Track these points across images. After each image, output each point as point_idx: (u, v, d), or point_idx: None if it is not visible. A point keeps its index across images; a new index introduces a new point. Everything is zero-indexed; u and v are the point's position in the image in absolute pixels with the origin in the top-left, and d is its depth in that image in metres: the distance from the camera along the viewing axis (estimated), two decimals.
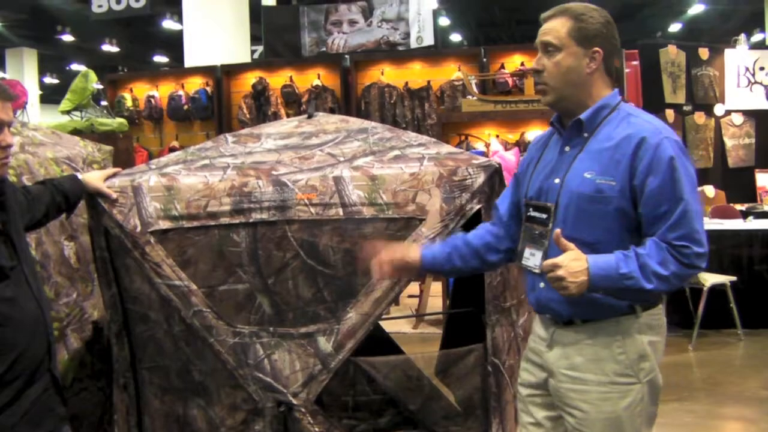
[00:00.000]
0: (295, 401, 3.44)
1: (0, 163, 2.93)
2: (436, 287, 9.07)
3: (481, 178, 3.54)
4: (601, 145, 2.94)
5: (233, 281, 3.50)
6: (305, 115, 4.27)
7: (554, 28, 3.02)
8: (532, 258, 3.09)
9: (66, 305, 4.22)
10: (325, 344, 3.43)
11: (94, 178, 3.64)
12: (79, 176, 3.57)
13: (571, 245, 2.77)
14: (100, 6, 15.07)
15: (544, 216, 3.06)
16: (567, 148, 3.07)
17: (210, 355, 3.52)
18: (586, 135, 3.01)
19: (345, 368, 3.49)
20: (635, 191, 2.82)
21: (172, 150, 11.92)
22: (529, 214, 3.14)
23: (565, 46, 2.99)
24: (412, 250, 3.24)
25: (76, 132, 7.58)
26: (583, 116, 3.00)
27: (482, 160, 3.62)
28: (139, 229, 3.55)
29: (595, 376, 2.92)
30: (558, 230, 2.81)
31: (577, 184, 2.93)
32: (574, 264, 2.72)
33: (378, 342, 3.56)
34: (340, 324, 3.43)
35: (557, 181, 3.03)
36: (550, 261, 2.75)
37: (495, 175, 3.58)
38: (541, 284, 3.06)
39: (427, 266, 3.24)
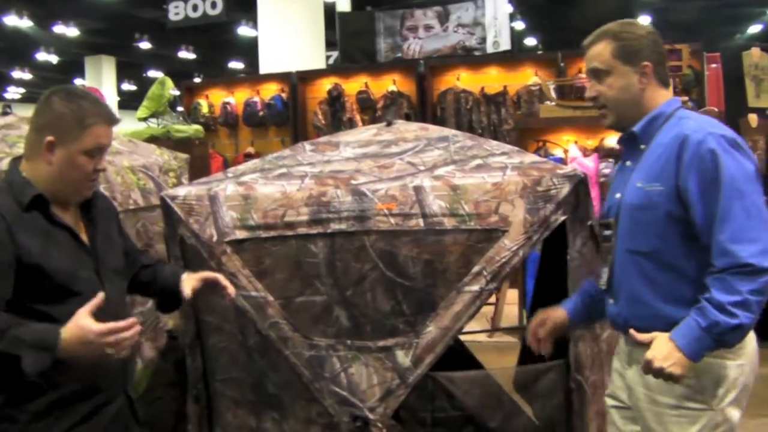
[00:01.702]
0: (371, 416, 3.35)
1: (90, 186, 2.89)
2: (512, 294, 8.93)
3: (566, 189, 3.42)
4: (654, 153, 2.91)
5: (310, 293, 3.43)
6: (384, 123, 4.19)
7: (598, 53, 3.02)
8: (602, 277, 3.12)
9: (141, 314, 4.21)
10: (403, 358, 3.34)
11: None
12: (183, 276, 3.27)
13: (654, 334, 2.75)
14: (176, 14, 15.21)
15: (609, 233, 3.06)
16: (628, 163, 3.08)
17: (285, 368, 3.46)
18: (642, 147, 2.99)
19: (423, 383, 3.39)
20: (681, 193, 2.76)
21: (248, 156, 11.94)
22: (602, 234, 3.15)
23: (613, 68, 2.98)
24: (557, 312, 3.37)
25: (152, 139, 7.61)
26: (636, 128, 3.00)
27: (567, 169, 3.50)
28: (215, 238, 3.51)
29: (666, 399, 2.86)
30: (632, 330, 2.81)
31: (631, 195, 2.93)
32: (661, 349, 2.70)
33: (455, 353, 3.47)
34: (418, 338, 3.34)
35: (618, 196, 3.04)
36: (644, 361, 2.73)
37: (580, 185, 3.46)
38: (611, 301, 3.07)
39: (572, 316, 3.37)
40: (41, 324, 2.57)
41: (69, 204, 2.89)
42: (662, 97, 3.02)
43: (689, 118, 2.92)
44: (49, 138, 2.76)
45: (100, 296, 2.60)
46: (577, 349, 3.49)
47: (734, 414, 2.83)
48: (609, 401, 3.18)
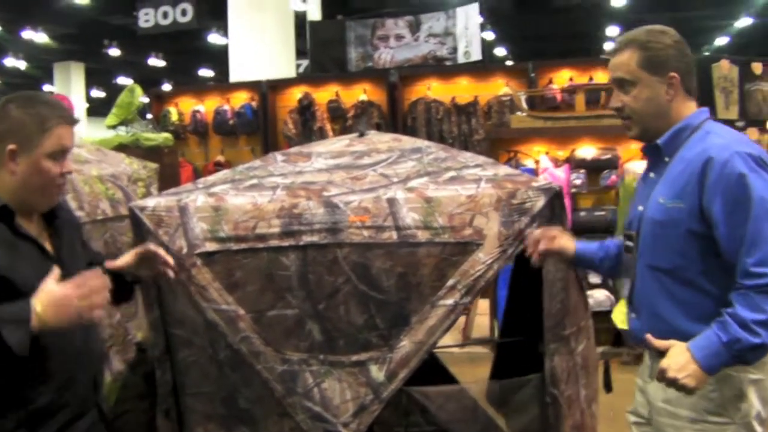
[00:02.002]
0: (345, 431, 3.30)
1: (58, 190, 2.83)
2: (483, 305, 8.90)
3: (541, 202, 3.39)
4: (677, 168, 2.85)
5: (282, 306, 3.37)
6: (356, 134, 4.15)
7: (623, 62, 2.94)
8: (625, 288, 3.10)
9: (109, 326, 4.14)
10: (377, 373, 3.29)
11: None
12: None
13: (671, 342, 2.71)
14: (146, 20, 15.20)
15: (631, 245, 3.03)
16: (651, 175, 3.03)
17: (257, 383, 3.39)
18: (666, 160, 2.93)
19: (397, 398, 3.35)
20: (705, 213, 2.71)
21: (218, 165, 11.87)
22: (625, 244, 3.11)
23: (639, 78, 2.90)
24: (569, 242, 3.30)
25: (121, 147, 7.54)
26: (660, 141, 2.93)
27: (542, 182, 3.47)
28: (185, 250, 3.44)
29: (688, 413, 2.82)
30: (648, 335, 2.78)
31: (652, 210, 2.87)
32: (678, 359, 2.65)
33: (427, 365, 3.42)
34: (392, 352, 3.29)
35: (640, 208, 2.99)
36: (658, 369, 2.69)
37: (555, 198, 3.43)
38: (632, 315, 3.05)
39: (579, 253, 3.31)
40: (11, 303, 2.50)
41: (33, 214, 2.83)
42: (689, 109, 2.95)
43: (716, 133, 2.86)
44: (11, 146, 2.69)
45: (57, 270, 2.56)
46: (552, 363, 3.45)
47: (758, 429, 2.80)
48: (631, 418, 3.17)
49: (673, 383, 2.64)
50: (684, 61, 2.93)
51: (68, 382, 2.73)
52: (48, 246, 2.84)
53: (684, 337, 2.73)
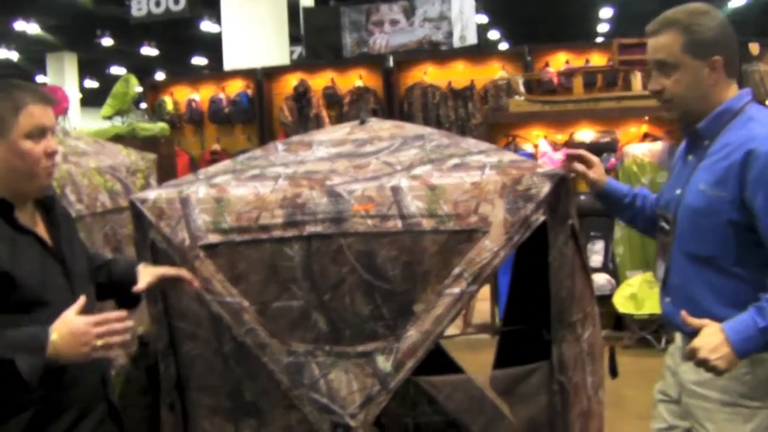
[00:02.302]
0: (352, 423, 3.26)
1: (46, 172, 2.77)
2: (483, 290, 8.86)
3: (546, 188, 3.35)
4: (718, 154, 2.81)
5: (287, 297, 3.34)
6: (357, 121, 4.10)
7: (666, 44, 2.86)
8: (659, 270, 3.07)
9: None
10: (384, 363, 3.26)
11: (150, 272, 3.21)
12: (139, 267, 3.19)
13: (705, 321, 2.67)
14: (139, 9, 15.13)
15: (668, 227, 3.00)
16: (690, 158, 2.99)
17: (263, 375, 3.36)
18: (706, 143, 2.88)
19: (405, 388, 3.33)
20: (747, 203, 2.67)
21: (214, 153, 11.85)
22: (660, 224, 3.09)
23: (682, 62, 2.84)
24: (602, 175, 3.41)
25: (117, 137, 7.51)
26: (701, 125, 2.89)
27: (548, 168, 3.43)
28: (187, 243, 3.40)
29: (720, 396, 2.81)
30: (683, 312, 2.73)
31: (692, 196, 2.84)
32: (710, 340, 2.61)
33: (431, 353, 3.40)
34: (399, 342, 3.26)
35: (678, 192, 2.96)
36: (689, 348, 2.64)
37: (561, 183, 3.40)
38: (667, 299, 3.03)
39: (608, 188, 3.40)
40: (27, 327, 2.50)
41: (28, 205, 2.80)
42: (731, 91, 2.90)
43: (758, 121, 2.80)
44: None
45: (83, 300, 2.54)
46: (560, 351, 3.42)
47: None
48: (658, 396, 3.18)
49: (703, 363, 2.61)
50: (730, 45, 2.88)
51: (74, 381, 2.70)
52: (47, 239, 2.81)
53: (719, 322, 2.70)
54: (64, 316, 2.48)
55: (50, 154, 2.75)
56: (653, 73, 2.96)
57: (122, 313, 2.55)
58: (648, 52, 2.98)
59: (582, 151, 3.42)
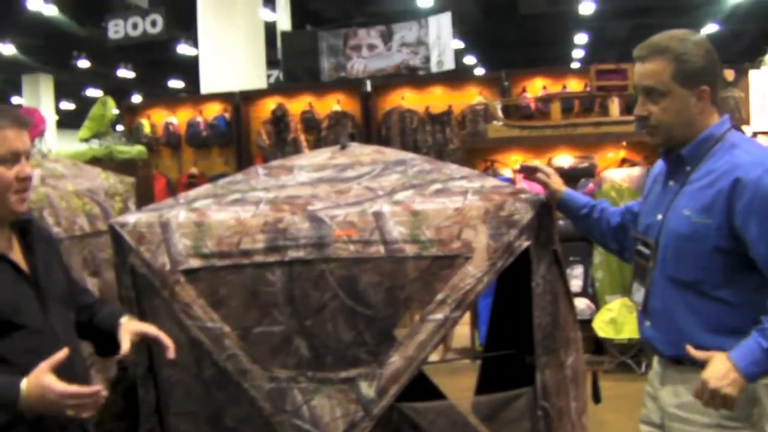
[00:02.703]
0: None
1: (19, 197, 2.70)
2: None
3: (529, 214, 3.36)
4: (702, 180, 2.83)
5: (268, 323, 3.31)
6: (338, 146, 4.09)
7: (655, 71, 2.88)
8: (637, 293, 3.08)
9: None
10: (367, 389, 3.24)
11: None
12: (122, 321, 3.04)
13: (710, 354, 2.69)
14: (116, 32, 15.09)
15: (648, 252, 3.00)
16: (671, 183, 2.99)
17: (244, 401, 3.33)
18: (688, 169, 2.91)
19: (388, 414, 3.29)
20: (736, 231, 2.70)
21: (191, 177, 11.80)
22: (637, 248, 3.09)
23: (670, 90, 2.86)
24: (560, 185, 3.47)
25: (95, 160, 7.46)
26: (684, 151, 2.91)
27: (530, 194, 3.44)
28: (168, 267, 3.38)
29: (702, 418, 2.82)
30: (689, 347, 2.75)
31: (676, 222, 2.86)
32: (718, 368, 2.63)
33: (414, 381, 3.38)
34: (382, 368, 3.24)
35: (659, 217, 2.97)
36: (698, 384, 2.67)
37: (544, 209, 3.41)
38: (647, 323, 3.03)
39: (566, 198, 3.43)
40: (1, 376, 2.46)
41: (4, 229, 2.74)
42: (713, 119, 2.93)
43: (742, 148, 2.84)
44: None
45: (63, 352, 2.48)
46: (543, 376, 3.42)
47: None
48: (643, 427, 3.16)
49: (714, 394, 2.62)
50: (715, 74, 2.92)
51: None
52: (22, 264, 2.76)
53: (701, 348, 2.74)
54: (38, 374, 2.42)
55: (23, 179, 2.69)
56: (640, 98, 2.97)
57: (98, 387, 2.50)
58: (635, 77, 2.99)
59: (536, 165, 3.53)
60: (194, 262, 3.39)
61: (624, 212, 3.35)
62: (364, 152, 4.00)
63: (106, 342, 2.98)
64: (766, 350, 2.60)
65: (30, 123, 2.78)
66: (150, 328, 2.98)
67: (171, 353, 2.93)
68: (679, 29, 2.97)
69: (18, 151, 2.67)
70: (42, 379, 2.41)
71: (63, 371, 2.58)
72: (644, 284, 3.02)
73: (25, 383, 2.42)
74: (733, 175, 2.72)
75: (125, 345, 2.85)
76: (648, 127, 2.98)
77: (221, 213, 3.50)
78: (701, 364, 2.70)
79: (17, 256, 2.77)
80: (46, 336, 2.68)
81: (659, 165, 3.17)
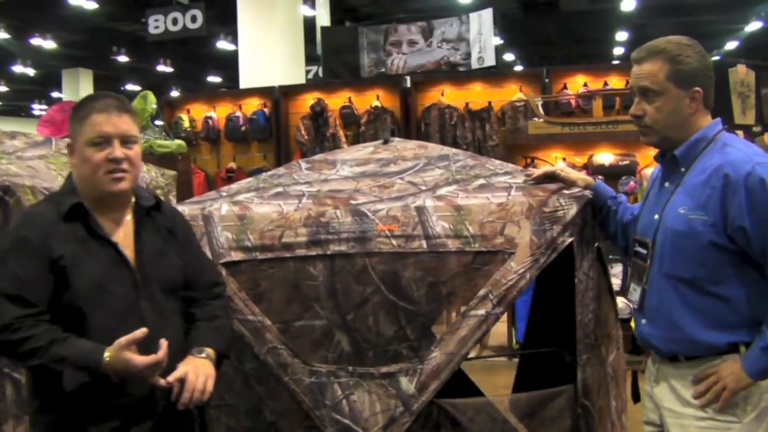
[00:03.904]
0: None
1: (110, 177, 2.84)
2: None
3: (573, 210, 3.34)
4: (696, 179, 2.91)
5: (309, 317, 3.32)
6: (380, 141, 4.09)
7: (651, 72, 2.97)
8: (634, 293, 3.13)
9: None
10: (407, 385, 3.23)
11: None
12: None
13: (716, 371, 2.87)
14: (156, 27, 15.11)
15: (645, 252, 3.06)
16: (666, 184, 3.07)
17: (284, 395, 3.34)
18: (683, 170, 2.98)
19: (428, 410, 3.28)
20: (732, 228, 2.77)
21: (230, 171, 11.83)
22: (635, 249, 3.15)
23: (665, 90, 2.95)
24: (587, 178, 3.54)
25: None
26: (677, 152, 3.00)
27: (574, 190, 3.41)
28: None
29: (696, 412, 2.89)
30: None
31: (672, 220, 2.93)
32: (727, 368, 2.82)
33: (452, 378, 3.36)
34: (423, 364, 3.23)
35: (656, 217, 3.03)
36: (706, 382, 2.88)
37: (588, 206, 3.38)
38: (643, 321, 3.10)
39: (595, 190, 3.47)
40: (85, 342, 2.64)
41: (114, 210, 2.90)
42: (705, 120, 3.01)
43: (732, 146, 2.92)
44: (68, 141, 2.91)
45: (141, 332, 2.63)
46: (584, 374, 3.39)
47: (761, 430, 2.88)
48: (647, 428, 3.23)
49: (714, 385, 2.83)
50: (708, 76, 3.00)
51: (117, 389, 2.72)
52: (128, 250, 2.88)
53: (700, 345, 2.88)
54: (118, 349, 2.60)
55: (112, 161, 2.82)
56: (636, 98, 3.06)
57: (163, 352, 2.67)
58: (632, 78, 3.08)
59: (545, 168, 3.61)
60: (236, 255, 3.41)
61: (633, 211, 3.41)
62: (406, 147, 3.99)
63: None
64: (762, 348, 2.75)
65: (130, 109, 2.93)
66: (181, 373, 2.81)
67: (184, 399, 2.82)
68: (678, 36, 3.07)
69: (107, 134, 2.83)
70: (121, 355, 2.59)
71: (144, 350, 2.66)
72: (641, 284, 3.08)
73: (108, 353, 2.59)
74: (724, 171, 2.80)
75: (165, 380, 2.76)
76: (642, 126, 3.06)
77: (264, 206, 3.51)
78: (696, 360, 2.90)
79: (125, 240, 2.90)
80: (129, 321, 2.75)
81: (657, 168, 3.25)
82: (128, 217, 2.94)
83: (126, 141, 2.86)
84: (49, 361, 2.58)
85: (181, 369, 2.78)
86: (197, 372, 2.79)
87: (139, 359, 2.60)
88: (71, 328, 2.67)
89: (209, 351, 2.94)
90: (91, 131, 2.82)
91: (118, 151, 2.83)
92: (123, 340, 2.59)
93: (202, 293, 3.12)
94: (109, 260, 2.80)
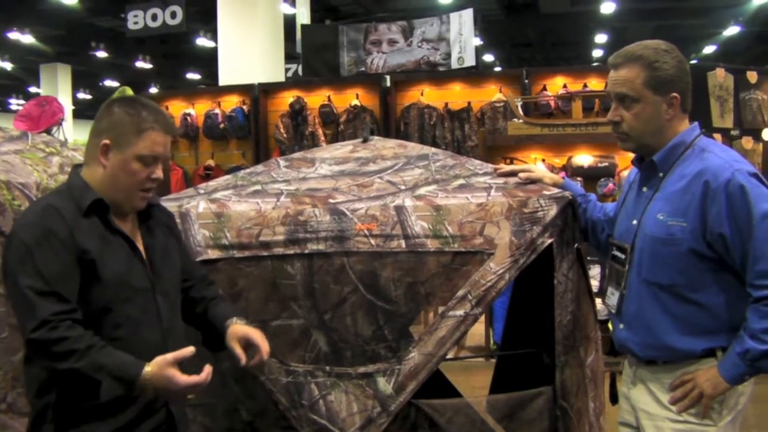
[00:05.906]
0: None
1: (143, 195, 2.86)
2: None
3: (553, 211, 3.33)
4: (674, 185, 2.92)
5: (287, 316, 3.30)
6: (360, 139, 4.06)
7: (628, 78, 2.97)
8: (611, 297, 3.15)
9: None
10: (384, 385, 3.21)
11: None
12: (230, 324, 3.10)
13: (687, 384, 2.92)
14: (135, 23, 15.02)
15: (623, 257, 3.07)
16: (644, 189, 3.08)
17: (261, 394, 3.32)
18: (661, 175, 2.99)
19: (405, 411, 3.27)
20: (711, 235, 2.79)
21: (208, 169, 11.76)
22: (612, 253, 3.17)
23: (643, 97, 2.95)
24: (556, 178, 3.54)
25: None
26: (656, 158, 3.00)
27: (554, 191, 3.40)
28: None
29: (672, 414, 2.93)
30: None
31: (651, 226, 2.94)
32: (704, 374, 2.86)
33: (430, 378, 3.35)
34: (401, 364, 3.22)
35: (634, 222, 3.04)
36: (683, 389, 2.92)
37: (568, 207, 3.37)
38: (621, 325, 3.11)
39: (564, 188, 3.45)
40: (123, 354, 2.60)
41: (124, 212, 2.88)
42: (683, 126, 3.02)
43: (711, 152, 2.92)
44: (105, 141, 2.79)
45: (189, 350, 2.64)
46: (563, 376, 3.39)
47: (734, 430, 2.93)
48: (623, 429, 3.26)
49: (691, 392, 2.86)
50: (686, 82, 3.00)
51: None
52: (140, 245, 2.89)
53: (676, 352, 2.91)
54: (161, 364, 2.58)
55: (153, 180, 2.83)
56: (613, 104, 3.06)
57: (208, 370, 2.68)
58: (609, 84, 3.07)
59: (517, 165, 3.67)
60: (213, 253, 3.39)
61: (603, 210, 3.45)
62: (386, 146, 3.97)
63: (215, 339, 3.05)
64: (739, 354, 2.78)
65: (177, 132, 2.92)
66: (255, 333, 2.97)
67: (264, 353, 2.95)
68: (655, 40, 3.06)
69: (159, 155, 2.83)
70: (165, 371, 2.57)
71: (153, 354, 2.65)
72: (619, 288, 3.09)
73: (149, 368, 2.56)
74: (704, 177, 2.81)
75: (242, 357, 2.91)
76: (620, 132, 3.06)
77: (242, 204, 3.49)
78: (673, 364, 2.93)
79: (137, 237, 2.92)
80: (148, 316, 2.81)
81: (633, 171, 3.26)
82: (132, 214, 2.95)
83: (163, 162, 2.89)
84: (87, 366, 2.54)
85: (251, 333, 2.94)
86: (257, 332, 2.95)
87: (183, 378, 2.60)
88: (93, 323, 2.66)
89: (244, 321, 3.03)
90: (147, 148, 2.79)
91: (160, 172, 2.85)
92: (170, 356, 2.59)
93: (199, 282, 3.18)
94: (126, 256, 2.81)
